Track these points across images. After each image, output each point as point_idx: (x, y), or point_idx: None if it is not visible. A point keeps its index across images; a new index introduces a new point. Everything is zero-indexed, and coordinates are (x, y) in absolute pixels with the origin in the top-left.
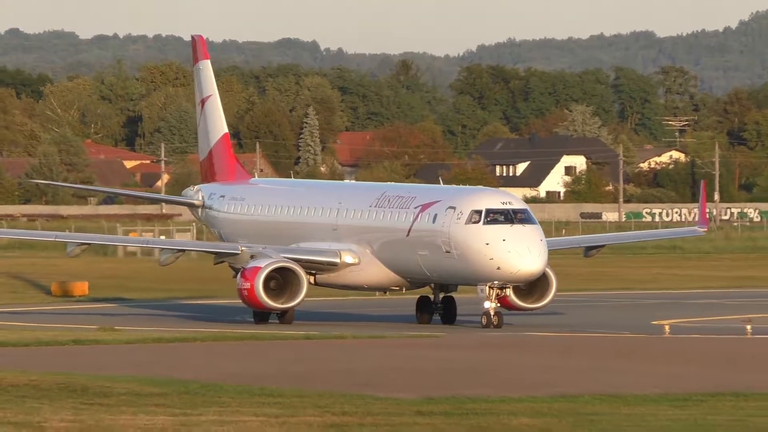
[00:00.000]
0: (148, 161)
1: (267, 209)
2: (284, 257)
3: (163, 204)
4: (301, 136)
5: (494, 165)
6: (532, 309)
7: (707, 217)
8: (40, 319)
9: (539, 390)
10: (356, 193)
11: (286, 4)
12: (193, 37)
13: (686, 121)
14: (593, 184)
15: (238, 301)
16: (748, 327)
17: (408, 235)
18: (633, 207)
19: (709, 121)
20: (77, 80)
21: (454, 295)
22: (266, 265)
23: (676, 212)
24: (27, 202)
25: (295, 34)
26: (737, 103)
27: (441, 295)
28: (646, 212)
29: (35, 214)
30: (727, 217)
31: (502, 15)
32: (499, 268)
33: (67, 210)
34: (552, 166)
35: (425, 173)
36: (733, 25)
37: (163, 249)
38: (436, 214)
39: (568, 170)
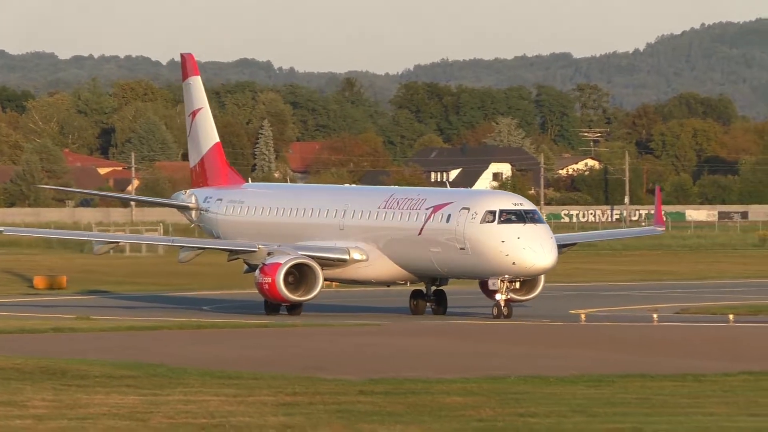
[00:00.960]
0: (120, 168)
1: (269, 211)
2: (301, 254)
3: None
4: (257, 145)
5: (429, 172)
6: (522, 301)
7: (663, 218)
8: (23, 310)
9: (470, 372)
10: (363, 195)
11: (243, 28)
12: (182, 55)
13: (600, 132)
14: (518, 188)
15: (203, 293)
16: (655, 316)
17: (420, 233)
18: (553, 209)
19: (620, 133)
20: (56, 96)
21: (444, 288)
22: (286, 261)
23: (591, 213)
24: (12, 205)
25: (252, 55)
26: (645, 116)
27: (433, 289)
28: (564, 214)
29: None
30: (636, 218)
31: (436, 38)
32: (514, 264)
33: (48, 213)
34: (481, 173)
35: (368, 179)
36: (641, 47)
37: (182, 247)
38: (450, 215)
39: (496, 176)
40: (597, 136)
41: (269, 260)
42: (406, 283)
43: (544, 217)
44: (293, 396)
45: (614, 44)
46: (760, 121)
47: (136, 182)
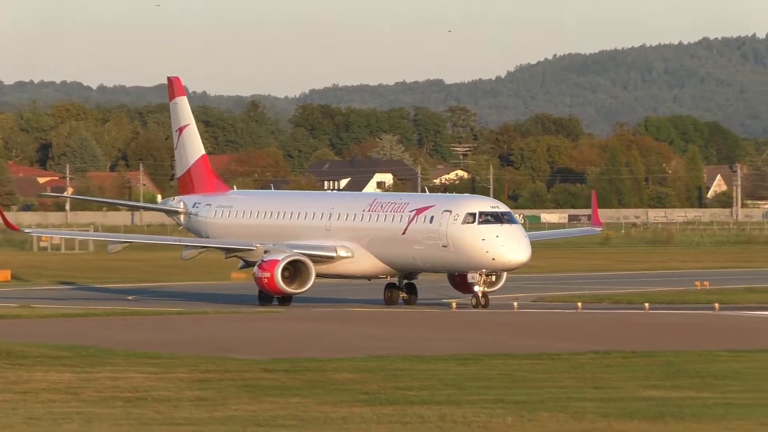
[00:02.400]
0: (57, 177)
1: (257, 214)
2: (295, 251)
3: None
4: (175, 158)
5: (323, 181)
6: (490, 292)
7: (599, 219)
8: None
9: (358, 352)
10: (347, 200)
11: (162, 57)
12: (169, 78)
13: (468, 147)
14: None
15: (134, 285)
16: (515, 303)
17: (404, 233)
18: None
19: (485, 148)
20: (1, 116)
21: (414, 282)
22: (283, 258)
23: None
24: None
25: None
26: (506, 133)
27: (404, 282)
28: None
29: None
30: None
31: (329, 66)
32: (494, 259)
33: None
34: (367, 182)
35: (269, 187)
36: (503, 74)
37: (186, 246)
38: (432, 216)
39: (380, 185)
40: (466, 151)
41: (267, 257)
42: (386, 277)
43: (518, 218)
44: (206, 373)
45: (480, 72)
46: (603, 138)
47: (70, 190)
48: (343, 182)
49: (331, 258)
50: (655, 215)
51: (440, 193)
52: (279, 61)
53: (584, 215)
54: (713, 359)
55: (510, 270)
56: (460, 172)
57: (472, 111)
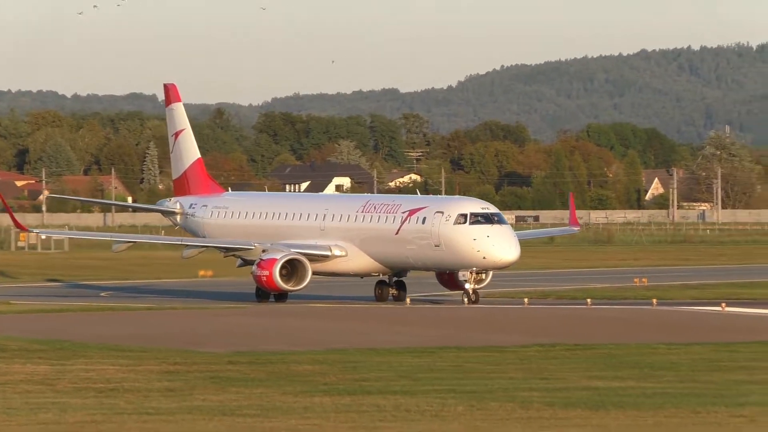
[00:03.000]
0: (33, 181)
1: (252, 215)
2: (292, 251)
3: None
4: (144, 163)
5: (285, 184)
6: (478, 289)
7: (577, 219)
8: None
9: (317, 345)
10: (341, 202)
11: (133, 67)
12: (165, 85)
13: (421, 152)
14: None
15: (106, 282)
16: (465, 299)
17: (397, 233)
18: None
19: (437, 153)
20: None
21: (404, 279)
22: (281, 257)
23: None
24: None
25: (140, 89)
26: (457, 139)
27: (394, 279)
28: None
29: None
30: None
31: (291, 75)
32: (485, 258)
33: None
34: (326, 185)
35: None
36: (454, 84)
37: (187, 246)
38: (425, 217)
39: (338, 188)
40: (419, 155)
41: (265, 256)
42: (378, 275)
43: (506, 219)
44: (174, 365)
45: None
46: (547, 144)
47: (46, 192)
48: (304, 185)
49: (325, 257)
50: (597, 216)
51: (432, 195)
52: (243, 71)
53: (530, 216)
54: (651, 351)
55: (500, 268)
56: (414, 176)
57: (424, 118)
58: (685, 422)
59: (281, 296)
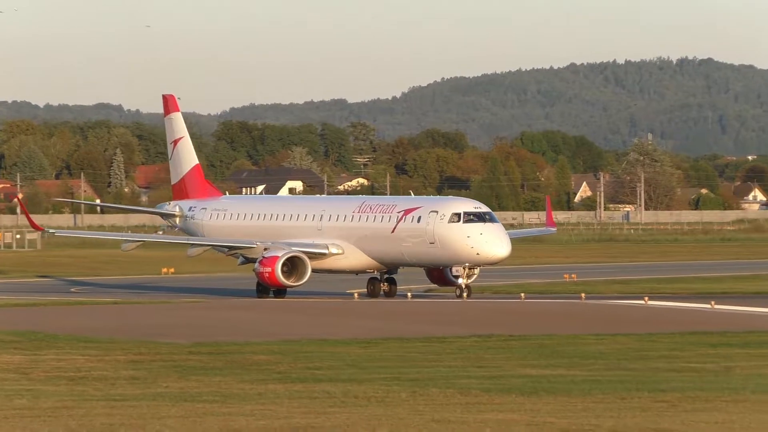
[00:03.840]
0: (8, 185)
1: (251, 216)
2: (292, 249)
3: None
4: (112, 168)
5: (241, 187)
6: (456, 284)
7: (553, 221)
8: None
9: (272, 336)
10: (337, 203)
11: (101, 79)
12: (164, 96)
13: (368, 158)
14: None
15: (77, 278)
16: (409, 294)
17: (393, 232)
18: None
19: (383, 158)
20: None
21: (395, 276)
22: (283, 255)
23: None
24: None
25: (107, 100)
26: (401, 146)
27: (385, 276)
28: None
29: None
30: None
31: (247, 87)
32: (478, 254)
33: None
34: (280, 188)
35: None
36: (398, 95)
37: (192, 244)
38: (420, 216)
39: (291, 191)
40: (366, 161)
41: (267, 254)
42: (373, 272)
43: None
44: (139, 355)
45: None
46: (484, 150)
47: (21, 195)
48: (259, 188)
49: (323, 255)
50: (530, 217)
51: (426, 196)
52: (202, 83)
53: None
54: (580, 342)
55: (492, 264)
56: (361, 180)
57: (371, 127)
58: (611, 407)
59: (280, 292)
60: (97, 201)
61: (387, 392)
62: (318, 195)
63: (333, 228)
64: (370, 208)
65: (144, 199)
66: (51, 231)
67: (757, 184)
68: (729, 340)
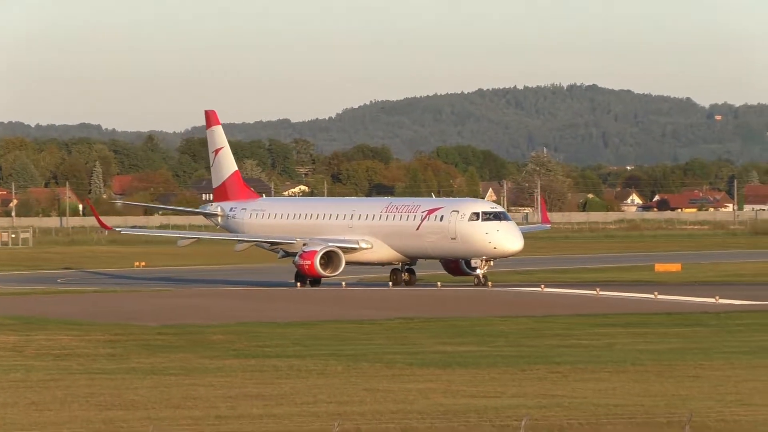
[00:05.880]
0: (5, 192)
1: (288, 216)
2: (329, 244)
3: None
4: (92, 177)
5: (202, 194)
6: (474, 274)
7: (548, 219)
8: None
9: (229, 320)
10: (366, 204)
11: (82, 102)
12: (206, 111)
13: (308, 169)
14: None
15: (62, 271)
16: (343, 283)
17: (418, 229)
18: None
19: (321, 169)
20: None
21: (414, 268)
22: (320, 249)
23: None
24: None
25: (88, 120)
26: (336, 159)
27: (405, 267)
28: None
29: None
30: None
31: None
32: (495, 248)
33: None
34: None
35: (163, 199)
36: (334, 115)
37: (239, 240)
38: (442, 215)
39: None
40: (306, 171)
41: (306, 248)
42: (398, 264)
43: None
44: (115, 336)
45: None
46: (406, 162)
47: (15, 201)
48: None
49: (354, 249)
50: None
51: (447, 198)
52: (170, 105)
53: None
54: (488, 323)
55: (508, 256)
56: (302, 187)
57: (311, 143)
58: (513, 377)
59: (316, 281)
60: (168, 206)
61: (325, 366)
62: (348, 197)
63: (362, 226)
64: (396, 208)
65: (119, 203)
66: (117, 229)
67: (634, 190)
68: (611, 320)
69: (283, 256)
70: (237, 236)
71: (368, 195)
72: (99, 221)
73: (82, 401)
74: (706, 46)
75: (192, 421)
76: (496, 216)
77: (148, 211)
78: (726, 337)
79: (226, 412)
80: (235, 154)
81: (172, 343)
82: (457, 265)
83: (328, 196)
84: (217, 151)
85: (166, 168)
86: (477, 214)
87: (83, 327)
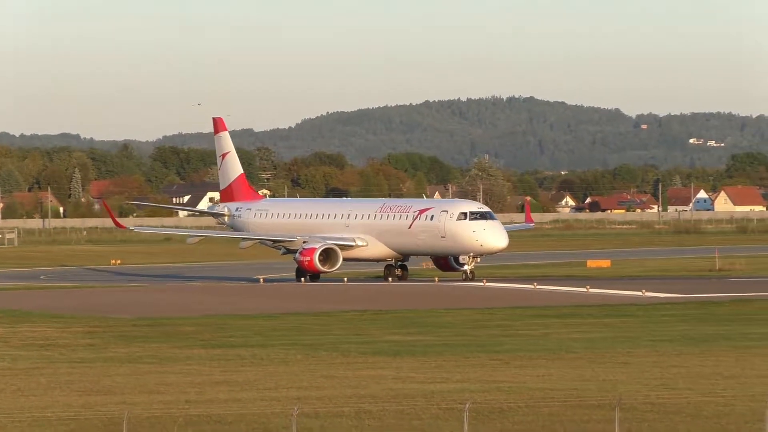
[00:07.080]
0: None
1: (289, 215)
2: (327, 241)
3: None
4: (72, 183)
5: (172, 197)
6: (462, 269)
7: (531, 218)
8: None
9: (196, 312)
10: (362, 205)
11: (63, 112)
12: (214, 118)
13: (270, 174)
14: None
15: (50, 268)
16: (303, 280)
17: (410, 228)
18: None
19: (282, 174)
20: None
21: (407, 264)
22: (319, 246)
23: None
24: None
25: (68, 130)
26: (296, 165)
27: (398, 263)
28: None
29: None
30: None
31: (176, 118)
32: (482, 245)
33: None
34: (202, 198)
35: (137, 203)
36: (293, 125)
37: (244, 238)
38: (432, 215)
39: (211, 200)
40: (269, 176)
41: (306, 246)
42: (392, 260)
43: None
44: (94, 328)
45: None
46: (360, 167)
47: (1, 204)
48: (185, 198)
49: (351, 246)
50: None
51: (437, 199)
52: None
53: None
54: (434, 314)
55: (494, 253)
56: (265, 191)
57: (272, 150)
58: (458, 364)
59: (315, 276)
60: (183, 207)
61: (286, 355)
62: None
63: (359, 225)
64: (390, 208)
65: (97, 206)
66: (131, 228)
67: (568, 193)
68: (547, 312)
69: (284, 253)
70: (241, 234)
71: (325, 197)
72: (114, 221)
73: (64, 387)
74: (632, 60)
75: (164, 405)
76: (483, 215)
77: (123, 213)
78: (652, 327)
79: (195, 397)
80: (202, 160)
81: (145, 334)
82: (446, 262)
83: (288, 197)
84: (224, 155)
85: (140, 174)
86: (465, 214)
87: (64, 319)
